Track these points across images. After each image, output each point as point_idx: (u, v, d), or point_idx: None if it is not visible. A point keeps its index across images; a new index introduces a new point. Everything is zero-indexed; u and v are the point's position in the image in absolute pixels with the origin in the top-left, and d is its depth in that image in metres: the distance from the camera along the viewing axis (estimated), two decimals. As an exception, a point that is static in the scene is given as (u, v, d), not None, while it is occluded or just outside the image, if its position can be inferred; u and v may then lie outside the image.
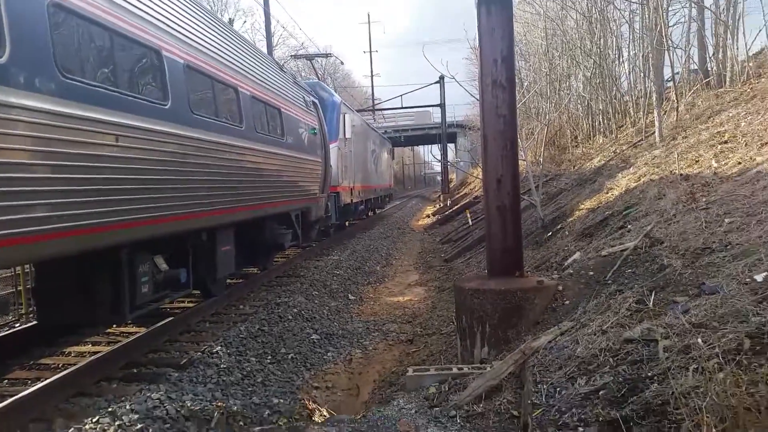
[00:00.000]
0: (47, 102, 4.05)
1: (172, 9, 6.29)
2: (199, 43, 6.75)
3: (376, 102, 43.75)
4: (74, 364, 5.24)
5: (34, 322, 6.39)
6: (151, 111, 5.37)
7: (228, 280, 8.80)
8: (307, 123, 11.36)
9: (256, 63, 9.19)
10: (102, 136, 4.65)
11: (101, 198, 4.64)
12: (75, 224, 4.34)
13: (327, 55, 25.51)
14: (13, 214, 3.76)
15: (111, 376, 5.10)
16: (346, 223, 18.04)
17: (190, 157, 6.06)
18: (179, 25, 6.31)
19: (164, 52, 5.70)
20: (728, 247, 4.60)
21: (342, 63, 43.18)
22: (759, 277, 3.69)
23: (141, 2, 5.51)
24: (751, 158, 6.99)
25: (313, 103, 12.60)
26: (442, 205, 31.20)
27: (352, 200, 17.16)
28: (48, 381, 4.57)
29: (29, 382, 5.07)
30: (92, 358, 5.23)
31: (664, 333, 3.46)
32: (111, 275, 5.34)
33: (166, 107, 5.64)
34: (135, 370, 5.31)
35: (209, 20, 7.73)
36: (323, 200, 12.65)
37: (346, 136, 16.04)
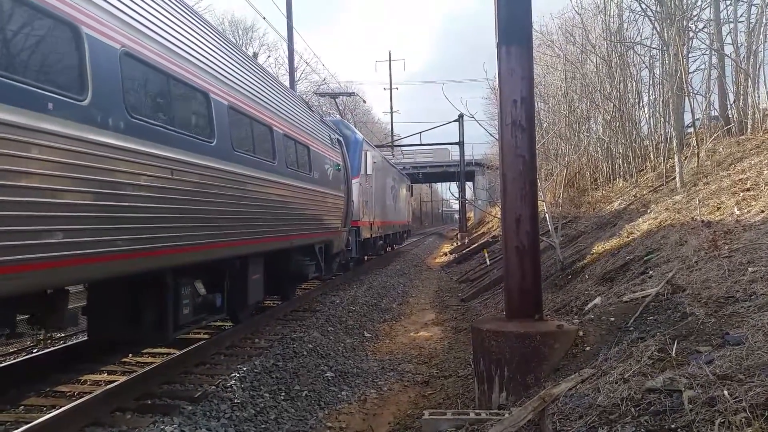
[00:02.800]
0: (117, 139, 4.60)
1: (218, 54, 6.99)
2: (240, 86, 7.37)
3: (395, 138, 44.16)
4: (90, 393, 5.24)
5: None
6: (200, 147, 5.96)
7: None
8: (332, 159, 11.95)
9: (288, 103, 9.90)
10: (159, 170, 5.19)
11: (155, 225, 5.16)
12: (134, 248, 4.87)
13: (351, 94, 26.42)
14: (89, 236, 4.33)
15: (125, 406, 5.08)
16: (365, 258, 18.31)
17: (229, 190, 6.61)
18: (224, 70, 6.95)
19: (211, 95, 6.35)
20: (752, 297, 4.52)
21: (364, 102, 43.95)
22: (786, 330, 3.62)
23: (193, 49, 6.17)
24: (774, 207, 6.92)
25: (338, 140, 13.25)
26: (459, 243, 31.10)
27: (371, 235, 17.55)
28: (63, 409, 4.57)
29: (44, 409, 5.08)
30: (108, 387, 5.24)
31: (687, 383, 3.39)
32: (156, 297, 5.82)
33: (212, 144, 6.24)
34: (149, 401, 5.29)
35: (248, 64, 8.46)
36: (345, 234, 13.07)
37: (367, 173, 16.55)
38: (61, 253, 4.07)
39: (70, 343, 7.45)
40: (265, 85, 8.74)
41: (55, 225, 4.01)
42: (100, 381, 5.96)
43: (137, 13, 5.16)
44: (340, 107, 26.53)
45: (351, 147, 15.16)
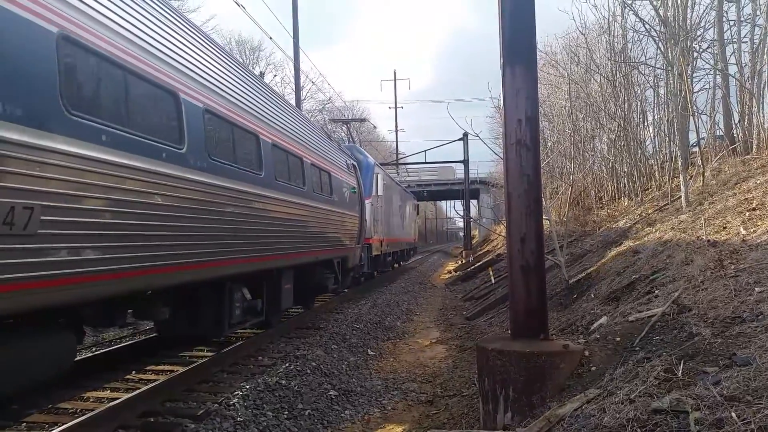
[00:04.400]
0: (202, 176, 5.94)
1: (268, 104, 8.61)
2: (281, 127, 8.89)
3: (400, 156, 44.33)
4: (92, 410, 5.22)
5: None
6: (254, 179, 7.34)
7: (249, 330, 9.04)
8: (348, 183, 13.37)
9: (314, 136, 11.47)
10: (227, 198, 6.52)
11: (223, 241, 6.47)
12: (208, 259, 6.16)
13: (363, 120, 27.68)
14: (172, 250, 5.44)
15: (128, 424, 5.07)
16: (375, 273, 19.44)
17: (272, 212, 8.01)
18: (270, 114, 8.48)
19: (261, 137, 7.77)
20: (760, 318, 4.49)
21: (375, 127, 44.45)
22: (793, 351, 3.58)
23: (251, 104, 7.67)
24: (781, 226, 6.90)
25: (353, 165, 14.84)
26: (464, 261, 31.03)
27: (381, 252, 18.98)
28: (64, 427, 4.55)
29: (46, 426, 5.06)
30: (110, 404, 5.22)
31: (694, 404, 3.35)
32: (215, 301, 7.07)
33: (261, 176, 7.60)
34: (152, 419, 5.28)
35: (287, 106, 10.26)
36: (358, 251, 14.42)
37: (378, 194, 17.99)
38: (164, 262, 5.31)
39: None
40: (296, 123, 10.22)
41: (165, 241, 5.32)
42: (103, 398, 5.94)
43: (214, 79, 6.63)
44: (350, 129, 27.68)
45: (364, 170, 16.56)
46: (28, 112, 3.66)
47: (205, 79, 6.33)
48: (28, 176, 3.64)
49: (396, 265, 25.82)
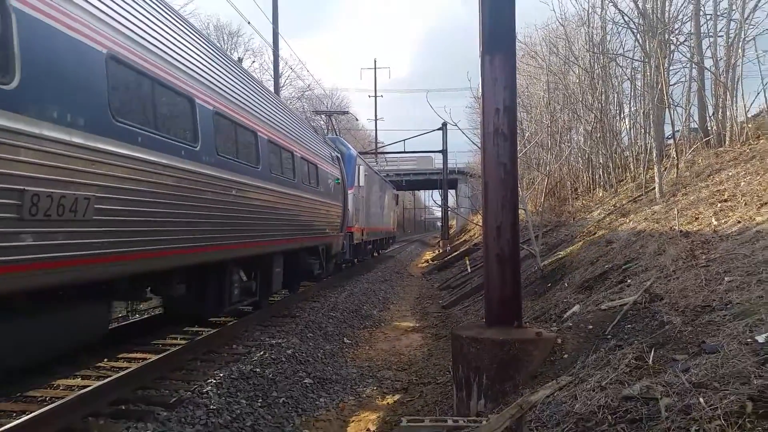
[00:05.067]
0: (212, 170, 6.71)
1: (266, 104, 9.51)
2: (276, 124, 9.70)
3: (379, 145, 44.25)
4: (62, 398, 5.14)
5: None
6: (251, 171, 8.05)
7: (222, 319, 8.97)
8: (333, 174, 14.25)
9: (303, 130, 12.38)
10: (233, 190, 7.33)
11: (227, 227, 7.19)
12: (214, 243, 6.90)
13: (345, 113, 28.28)
14: (189, 234, 6.23)
15: (99, 411, 4.99)
16: (355, 261, 20.22)
17: (267, 201, 8.72)
18: (266, 112, 9.27)
19: (259, 134, 8.57)
20: (728, 306, 4.57)
21: (357, 120, 44.40)
22: (761, 338, 3.65)
23: (250, 105, 8.40)
24: (750, 218, 7.02)
25: (337, 157, 15.64)
26: (441, 250, 31.15)
27: (362, 240, 19.73)
28: (33, 415, 4.47)
29: (14, 414, 4.97)
30: (81, 392, 5.14)
31: (664, 391, 3.40)
32: (217, 282, 7.78)
33: (258, 169, 8.35)
34: (123, 407, 5.20)
35: (283, 106, 11.52)
36: (341, 238, 15.25)
37: (360, 184, 18.64)
38: (182, 245, 6.12)
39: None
40: (288, 119, 11.11)
41: (183, 227, 6.11)
42: (74, 386, 5.85)
43: (222, 84, 7.43)
44: (331, 120, 28.39)
45: (347, 162, 17.23)
46: (86, 120, 4.51)
47: (215, 84, 7.16)
48: (88, 173, 4.49)
49: (375, 254, 26.43)
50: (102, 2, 4.95)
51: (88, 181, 4.48)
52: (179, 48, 6.36)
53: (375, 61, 61.26)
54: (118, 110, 4.96)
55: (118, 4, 5.25)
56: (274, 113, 9.93)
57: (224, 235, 7.12)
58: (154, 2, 6.11)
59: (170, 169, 5.72)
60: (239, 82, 8.33)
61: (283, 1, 26.90)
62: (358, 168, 18.40)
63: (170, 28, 6.33)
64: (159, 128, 5.61)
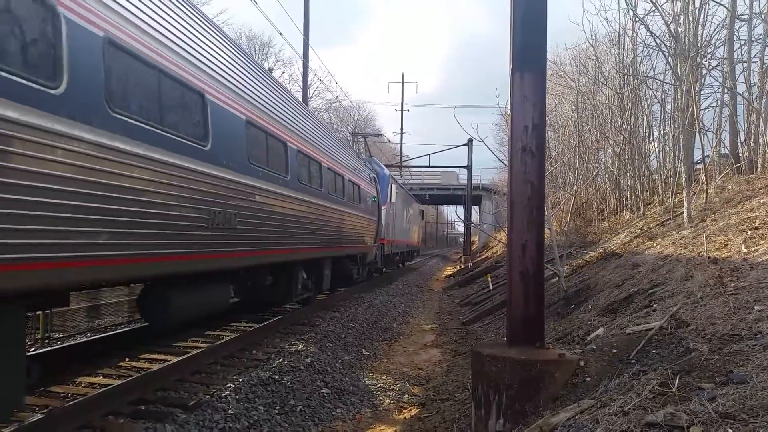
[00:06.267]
0: (298, 194, 9.20)
1: (327, 139, 12.11)
2: (334, 156, 12.16)
3: (404, 159, 44.34)
4: (84, 395, 5.21)
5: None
6: (314, 192, 10.18)
7: (244, 323, 9.06)
8: (371, 193, 16.61)
9: (350, 156, 14.90)
10: (306, 208, 9.59)
11: (292, 234, 9.03)
12: (290, 247, 9.05)
13: (379, 135, 30.09)
14: (282, 240, 8.58)
15: (119, 410, 5.04)
16: (383, 270, 22.58)
17: (325, 217, 10.89)
18: (329, 149, 11.81)
19: (322, 164, 10.75)
20: (758, 336, 4.47)
21: (389, 142, 45.17)
22: (791, 371, 3.56)
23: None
24: (782, 247, 6.87)
25: (374, 178, 18.14)
26: (462, 266, 30.99)
27: (391, 251, 22.44)
28: (54, 410, 4.54)
29: (36, 409, 5.04)
30: (102, 390, 5.20)
31: (688, 419, 3.33)
32: (287, 277, 9.96)
33: (321, 191, 10.65)
34: (143, 407, 5.25)
35: (331, 132, 14.00)
36: (375, 248, 17.51)
37: (392, 201, 21.15)
38: (277, 247, 8.40)
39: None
40: (340, 147, 13.81)
41: (279, 235, 8.43)
42: (95, 384, 5.93)
43: (306, 130, 9.80)
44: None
45: (381, 180, 19.54)
46: (239, 165, 7.01)
47: (299, 130, 9.56)
48: (235, 198, 6.86)
49: (401, 265, 28.83)
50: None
51: (235, 203, 6.75)
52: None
53: (402, 76, 61.67)
54: (253, 156, 7.35)
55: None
56: (333, 146, 12.59)
57: (295, 242, 9.22)
58: (240, 54, 7.74)
59: (278, 196, 8.24)
60: (313, 125, 11.08)
61: (314, 12, 27.28)
62: (391, 187, 21.13)
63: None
64: (272, 167, 8.04)
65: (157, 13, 5.40)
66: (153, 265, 5.28)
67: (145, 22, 5.13)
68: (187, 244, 5.76)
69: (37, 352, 6.70)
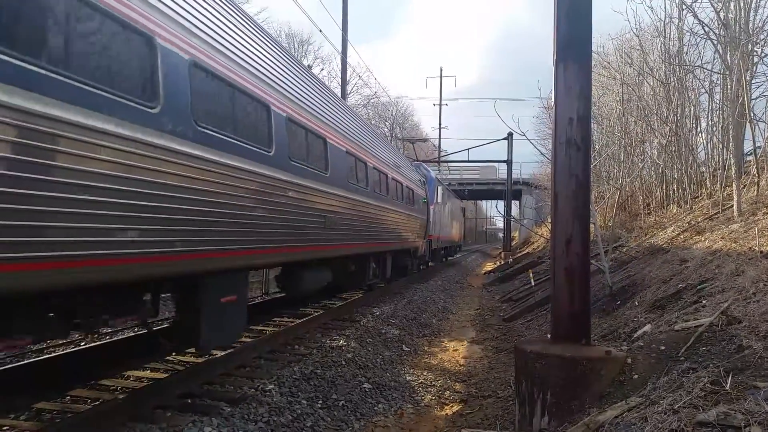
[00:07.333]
0: (382, 203, 12.57)
1: (389, 154, 14.86)
2: (396, 168, 14.77)
3: (442, 154, 44.15)
4: (132, 388, 5.34)
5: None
6: (383, 199, 12.57)
7: (283, 320, 9.19)
8: (421, 195, 18.87)
9: (406, 165, 17.64)
10: (378, 212, 12.08)
11: (370, 233, 11.47)
12: (364, 242, 11.10)
13: (425, 140, 30.92)
14: (359, 235, 10.66)
15: (167, 404, 5.16)
16: (429, 264, 24.21)
17: (389, 218, 13.21)
18: (392, 163, 14.65)
19: (369, 163, 11.55)
20: (816, 334, 4.30)
21: (438, 150, 45.44)
22: None
23: (383, 156, 13.39)
24: (841, 241, 6.59)
25: (423, 181, 20.34)
26: (503, 262, 30.69)
27: (438, 246, 24.91)
28: (107, 401, 4.67)
29: (89, 401, 5.20)
30: (150, 383, 5.33)
31: (744, 419, 3.23)
32: (361, 267, 12.26)
33: (386, 196, 13.03)
34: (189, 401, 5.36)
35: (396, 151, 17.88)
36: (424, 244, 19.74)
37: (438, 201, 23.54)
38: (356, 242, 10.40)
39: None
40: (399, 158, 16.93)
41: (358, 232, 10.50)
42: (143, 377, 6.08)
43: (378, 152, 12.81)
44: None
45: (429, 184, 21.79)
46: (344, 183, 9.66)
47: (376, 155, 12.54)
48: (339, 205, 9.31)
49: (444, 259, 30.66)
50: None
51: (339, 210, 9.07)
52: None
53: (441, 70, 61.27)
54: (349, 175, 9.94)
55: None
56: (393, 158, 15.12)
57: (370, 238, 11.38)
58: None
59: (361, 203, 10.51)
60: (382, 144, 14.32)
61: (352, 8, 27.35)
62: (438, 188, 23.83)
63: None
64: (359, 181, 10.52)
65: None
66: (295, 254, 7.58)
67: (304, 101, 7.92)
68: (314, 240, 8.04)
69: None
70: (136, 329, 8.47)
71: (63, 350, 7.01)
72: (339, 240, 9.17)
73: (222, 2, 5.83)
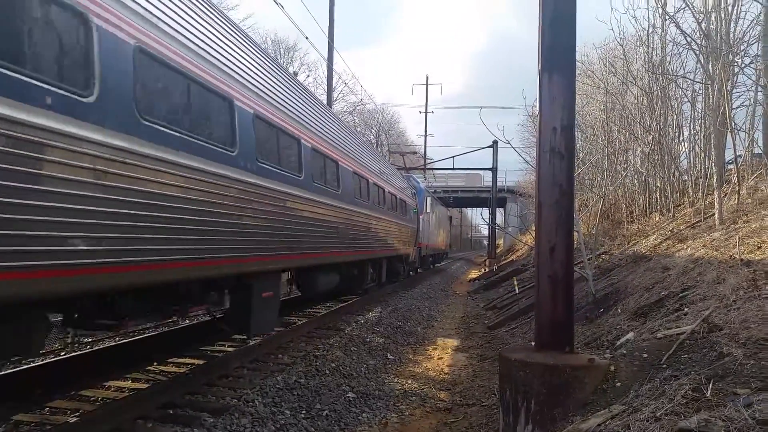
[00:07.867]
0: (376, 213, 13.93)
1: (382, 166, 16.21)
2: (392, 183, 16.56)
3: (428, 161, 44.28)
4: (113, 399, 5.27)
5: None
6: (379, 210, 13.83)
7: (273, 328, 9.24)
8: (412, 205, 20.43)
9: (399, 180, 19.15)
10: (377, 223, 13.82)
11: (368, 242, 12.80)
12: (366, 249, 12.83)
13: (414, 153, 32.45)
14: (359, 244, 12.11)
15: (148, 414, 5.10)
16: (418, 270, 25.90)
17: (385, 227, 14.53)
18: (387, 177, 16.04)
19: (370, 180, 13.15)
20: (796, 341, 4.34)
21: (424, 158, 45.73)
22: (831, 377, 3.44)
23: (378, 169, 14.95)
24: (820, 249, 6.67)
25: (414, 192, 22.00)
26: (487, 269, 30.77)
27: (426, 254, 26.45)
28: (86, 413, 4.60)
29: (68, 412, 5.12)
30: (131, 393, 5.26)
31: (724, 426, 3.24)
32: (359, 272, 13.65)
33: (383, 208, 14.37)
34: (171, 411, 5.30)
35: (388, 165, 19.08)
36: (414, 251, 21.07)
37: (427, 211, 25.21)
38: (356, 249, 11.68)
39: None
40: (394, 174, 18.30)
41: (362, 241, 12.40)
42: (124, 387, 6.00)
43: (378, 171, 14.50)
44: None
45: (419, 195, 23.43)
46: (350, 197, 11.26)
47: (372, 170, 13.64)
48: (355, 218, 11.55)
49: (432, 266, 32.54)
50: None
51: (349, 222, 10.74)
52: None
53: (427, 77, 61.58)
54: (356, 191, 11.63)
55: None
56: (389, 173, 16.64)
57: (369, 246, 12.80)
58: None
59: (363, 215, 12.07)
60: (379, 161, 15.81)
61: (340, 15, 27.50)
62: (427, 199, 25.70)
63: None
64: (362, 195, 12.10)
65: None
66: (316, 258, 8.92)
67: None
68: (329, 247, 9.45)
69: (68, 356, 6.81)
70: (117, 339, 8.38)
71: (43, 360, 6.90)
72: (346, 248, 10.66)
73: None
